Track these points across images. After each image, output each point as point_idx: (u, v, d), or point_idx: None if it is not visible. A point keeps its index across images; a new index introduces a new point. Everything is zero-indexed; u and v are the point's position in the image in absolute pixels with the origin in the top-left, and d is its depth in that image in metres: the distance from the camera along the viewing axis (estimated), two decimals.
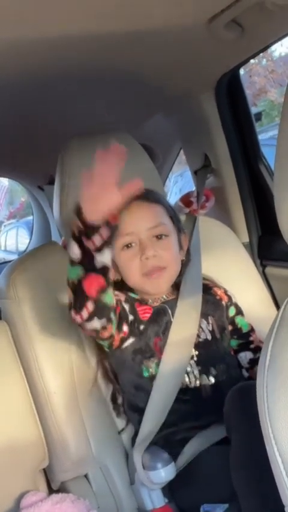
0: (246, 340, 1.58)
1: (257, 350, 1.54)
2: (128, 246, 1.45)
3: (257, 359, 1.46)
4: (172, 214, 1.52)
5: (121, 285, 1.50)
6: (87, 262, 1.20)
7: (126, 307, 1.42)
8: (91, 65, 1.55)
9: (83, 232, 1.17)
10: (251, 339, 1.59)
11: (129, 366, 1.45)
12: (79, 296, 1.23)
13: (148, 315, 1.46)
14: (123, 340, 1.41)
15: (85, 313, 1.24)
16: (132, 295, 1.49)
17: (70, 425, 1.50)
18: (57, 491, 1.51)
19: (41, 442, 1.49)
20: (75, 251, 1.19)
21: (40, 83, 1.59)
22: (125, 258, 1.46)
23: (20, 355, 1.54)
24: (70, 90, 1.75)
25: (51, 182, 2.49)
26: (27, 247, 3.96)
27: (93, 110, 2.03)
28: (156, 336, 1.44)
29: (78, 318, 1.25)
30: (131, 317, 1.42)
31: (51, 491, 1.53)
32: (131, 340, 1.43)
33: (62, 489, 1.52)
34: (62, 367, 1.52)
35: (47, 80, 1.58)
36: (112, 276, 1.44)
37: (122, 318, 1.38)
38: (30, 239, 3.89)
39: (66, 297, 1.56)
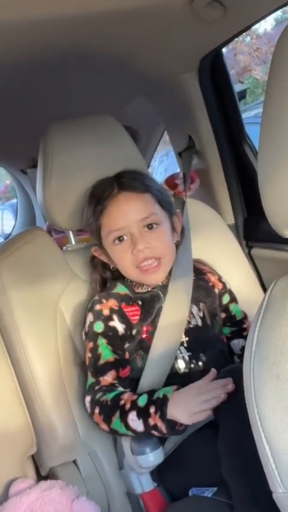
0: (240, 327, 1.58)
1: None
2: (119, 239, 1.43)
3: None
4: (161, 198, 1.49)
5: (117, 274, 1.51)
6: (142, 435, 1.29)
7: (116, 319, 1.43)
8: (72, 48, 1.53)
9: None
10: (244, 326, 1.59)
11: None
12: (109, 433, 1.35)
13: (137, 317, 1.45)
14: None
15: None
16: (120, 288, 1.49)
17: (57, 411, 1.49)
18: (46, 477, 1.51)
19: (29, 428, 1.48)
20: (139, 426, 1.28)
21: (21, 67, 1.57)
22: (118, 252, 1.45)
23: (5, 342, 1.53)
24: (51, 74, 1.73)
25: (34, 166, 2.48)
26: (12, 231, 3.95)
27: (75, 93, 2.01)
28: (146, 325, 1.44)
29: (103, 427, 1.35)
30: (123, 326, 1.43)
31: (39, 477, 1.53)
32: (126, 345, 1.44)
33: (51, 475, 1.52)
34: (48, 353, 1.51)
35: (28, 64, 1.56)
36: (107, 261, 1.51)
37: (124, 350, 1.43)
38: (15, 223, 3.87)
39: (51, 282, 1.57)
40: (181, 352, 1.43)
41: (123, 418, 1.28)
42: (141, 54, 1.73)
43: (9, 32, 1.32)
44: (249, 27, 1.64)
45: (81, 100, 2.11)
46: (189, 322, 1.46)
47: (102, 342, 1.40)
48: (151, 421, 1.25)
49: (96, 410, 1.33)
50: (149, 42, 1.64)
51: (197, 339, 1.46)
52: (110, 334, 1.42)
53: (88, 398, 1.36)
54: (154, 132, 2.66)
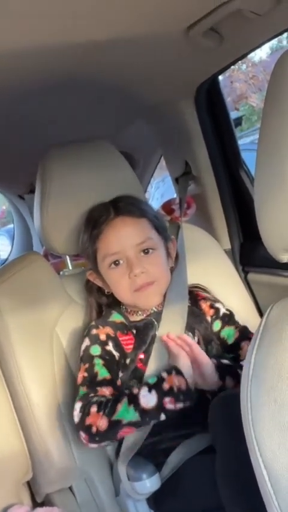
0: (235, 354, 1.52)
1: None
2: (115, 263, 1.44)
3: None
4: (157, 224, 1.50)
5: (112, 298, 1.51)
6: (150, 416, 1.28)
7: (111, 345, 1.43)
8: (70, 74, 1.54)
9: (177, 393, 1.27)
10: (240, 352, 1.52)
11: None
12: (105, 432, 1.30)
13: (131, 346, 1.45)
14: None
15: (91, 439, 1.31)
16: (116, 316, 1.49)
17: (54, 437, 1.48)
18: (42, 503, 1.50)
19: (25, 454, 1.47)
20: (151, 400, 1.27)
21: (19, 93, 1.58)
22: (114, 277, 1.45)
23: (2, 367, 1.52)
24: (49, 99, 1.74)
25: (32, 191, 2.49)
26: (8, 256, 3.94)
27: (73, 119, 2.02)
28: (140, 353, 1.44)
29: (82, 434, 1.32)
30: (117, 355, 1.43)
31: (35, 504, 1.51)
32: (119, 375, 1.43)
33: (47, 502, 1.50)
34: (44, 378, 1.50)
35: (26, 90, 1.58)
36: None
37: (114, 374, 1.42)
38: (12, 248, 3.87)
39: (47, 307, 1.57)
40: None
41: (133, 400, 1.28)
42: (138, 81, 1.75)
43: (8, 59, 1.33)
44: (245, 56, 1.67)
45: (79, 126, 2.12)
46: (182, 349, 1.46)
47: (98, 362, 1.40)
48: (166, 385, 1.28)
49: (93, 409, 1.30)
50: (146, 70, 1.66)
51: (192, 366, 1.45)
52: (106, 357, 1.41)
53: (79, 404, 1.34)
54: (151, 158, 2.68)
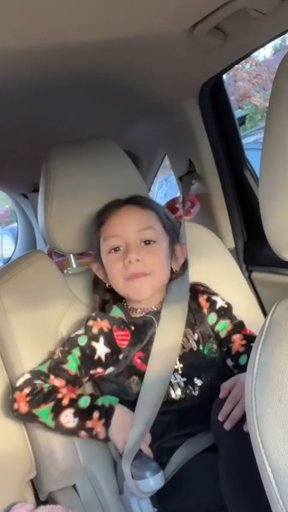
0: (227, 346, 1.52)
1: (237, 355, 1.48)
2: (115, 249, 1.45)
3: (238, 365, 1.45)
4: (166, 222, 1.50)
5: (115, 295, 1.52)
6: (63, 432, 1.37)
7: (101, 341, 1.44)
8: (74, 74, 1.54)
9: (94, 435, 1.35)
10: (231, 345, 1.51)
11: (113, 387, 1.45)
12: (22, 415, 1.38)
13: (126, 342, 1.45)
14: (98, 374, 1.46)
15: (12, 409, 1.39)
16: (116, 311, 1.50)
17: (57, 435, 1.48)
18: (45, 502, 1.49)
19: (28, 452, 1.47)
20: (70, 422, 1.35)
21: (23, 92, 1.59)
22: (111, 261, 1.46)
23: (6, 365, 1.52)
24: (54, 99, 1.75)
25: (36, 190, 2.49)
26: (12, 255, 3.95)
27: (77, 118, 2.02)
28: (138, 352, 1.44)
29: (21, 406, 1.38)
30: (106, 350, 1.44)
31: (39, 502, 1.51)
32: (110, 369, 1.44)
33: (50, 500, 1.50)
34: None
35: (30, 90, 1.58)
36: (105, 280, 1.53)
37: (82, 369, 1.43)
38: (16, 247, 3.88)
39: (51, 305, 1.57)
40: (176, 379, 1.42)
41: (56, 411, 1.34)
42: (143, 80, 1.75)
43: (12, 59, 1.33)
44: (249, 55, 1.67)
45: (82, 125, 2.12)
46: (183, 347, 1.46)
47: (76, 352, 1.42)
48: (89, 424, 1.33)
49: (26, 390, 1.37)
50: (150, 69, 1.66)
51: (192, 365, 1.45)
52: (87, 352, 1.43)
53: (26, 376, 1.41)
54: (155, 157, 2.68)
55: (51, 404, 1.34)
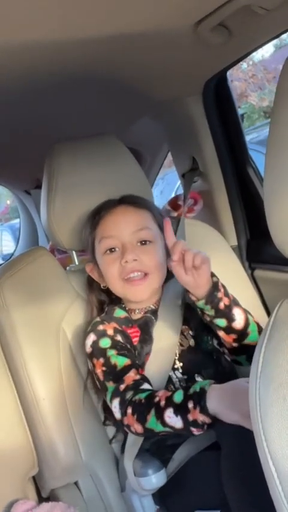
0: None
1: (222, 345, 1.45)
2: (111, 250, 1.44)
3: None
4: (160, 221, 1.48)
5: (110, 295, 1.51)
6: (180, 432, 1.23)
7: (119, 337, 1.42)
8: (78, 70, 1.54)
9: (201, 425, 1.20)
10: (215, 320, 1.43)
11: None
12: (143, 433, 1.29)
13: (137, 338, 1.45)
14: None
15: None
16: (119, 311, 1.49)
17: (60, 432, 1.48)
18: (47, 499, 1.50)
19: (30, 449, 1.47)
20: (177, 423, 1.22)
21: (27, 88, 1.58)
22: (106, 262, 1.45)
23: (8, 361, 1.52)
24: (57, 95, 1.74)
25: (38, 186, 2.49)
26: (14, 252, 3.95)
27: (80, 115, 2.02)
28: (147, 349, 1.44)
29: (135, 427, 1.29)
30: (128, 345, 1.43)
31: (41, 499, 1.51)
32: None
33: (52, 497, 1.50)
34: (51, 373, 1.51)
35: (33, 85, 1.57)
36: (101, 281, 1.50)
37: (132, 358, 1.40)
38: (17, 244, 3.88)
39: (54, 301, 1.57)
40: (177, 377, 1.42)
41: (160, 415, 1.23)
42: (146, 77, 1.74)
43: (14, 55, 1.33)
44: (253, 51, 1.66)
45: (85, 121, 2.12)
46: (181, 345, 1.45)
47: (112, 353, 1.39)
48: (190, 417, 1.20)
49: (129, 411, 1.29)
50: (154, 66, 1.65)
51: (191, 361, 1.45)
52: (117, 346, 1.40)
53: (116, 401, 1.32)
54: (158, 154, 2.67)
55: (152, 412, 1.25)
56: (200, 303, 1.32)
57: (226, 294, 1.36)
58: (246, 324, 1.37)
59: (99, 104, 1.97)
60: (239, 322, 1.36)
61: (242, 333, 1.36)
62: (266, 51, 11.82)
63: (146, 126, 2.23)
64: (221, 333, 1.37)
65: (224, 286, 1.36)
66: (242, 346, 1.37)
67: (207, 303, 1.32)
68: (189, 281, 1.30)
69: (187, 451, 1.34)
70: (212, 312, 1.33)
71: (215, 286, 1.32)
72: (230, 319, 1.35)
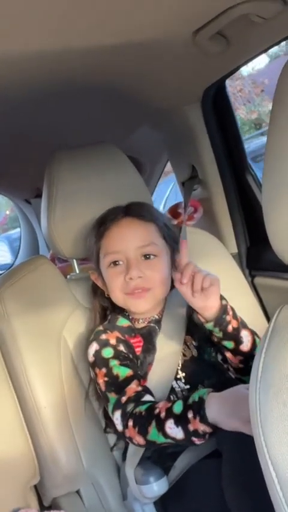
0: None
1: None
2: (115, 263, 1.43)
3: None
4: (166, 232, 1.48)
5: (113, 302, 1.50)
6: (182, 443, 1.23)
7: (122, 347, 1.42)
8: (77, 79, 1.55)
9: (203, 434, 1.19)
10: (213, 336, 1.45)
11: None
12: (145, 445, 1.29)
13: (140, 348, 1.45)
14: None
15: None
16: (122, 320, 1.48)
17: (61, 440, 1.48)
18: (49, 507, 1.50)
19: (32, 458, 1.47)
20: (178, 434, 1.21)
21: (26, 97, 1.59)
22: (111, 275, 1.44)
23: (9, 370, 1.52)
24: (57, 104, 1.75)
25: (39, 195, 2.50)
26: (13, 262, 3.96)
27: (80, 124, 2.03)
28: (150, 358, 1.44)
29: (137, 440, 1.29)
30: (130, 355, 1.42)
31: (42, 508, 1.51)
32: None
33: (54, 505, 1.50)
34: (52, 382, 1.50)
35: (33, 95, 1.58)
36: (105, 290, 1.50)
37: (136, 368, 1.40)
38: (17, 253, 3.88)
39: (54, 310, 1.57)
40: (179, 387, 1.42)
41: (161, 427, 1.22)
42: (145, 85, 1.75)
43: (14, 65, 1.33)
44: (251, 59, 1.67)
45: (85, 130, 2.13)
46: (184, 355, 1.45)
47: (114, 363, 1.38)
48: (191, 427, 1.19)
49: (130, 423, 1.28)
50: (152, 74, 1.66)
51: (194, 372, 1.44)
52: (120, 356, 1.40)
53: (118, 413, 1.31)
54: (157, 162, 2.68)
55: (153, 424, 1.24)
56: (209, 325, 1.34)
57: (234, 317, 1.37)
58: (253, 346, 1.37)
59: (99, 113, 1.97)
60: (246, 345, 1.37)
61: (249, 355, 1.37)
62: (257, 63, 12.17)
63: (145, 134, 2.24)
64: (228, 354, 1.39)
65: (232, 309, 1.38)
66: (248, 368, 1.37)
67: (216, 326, 1.33)
68: (196, 302, 1.31)
69: (188, 459, 1.33)
70: (220, 334, 1.35)
71: (224, 309, 1.34)
72: (238, 341, 1.36)
